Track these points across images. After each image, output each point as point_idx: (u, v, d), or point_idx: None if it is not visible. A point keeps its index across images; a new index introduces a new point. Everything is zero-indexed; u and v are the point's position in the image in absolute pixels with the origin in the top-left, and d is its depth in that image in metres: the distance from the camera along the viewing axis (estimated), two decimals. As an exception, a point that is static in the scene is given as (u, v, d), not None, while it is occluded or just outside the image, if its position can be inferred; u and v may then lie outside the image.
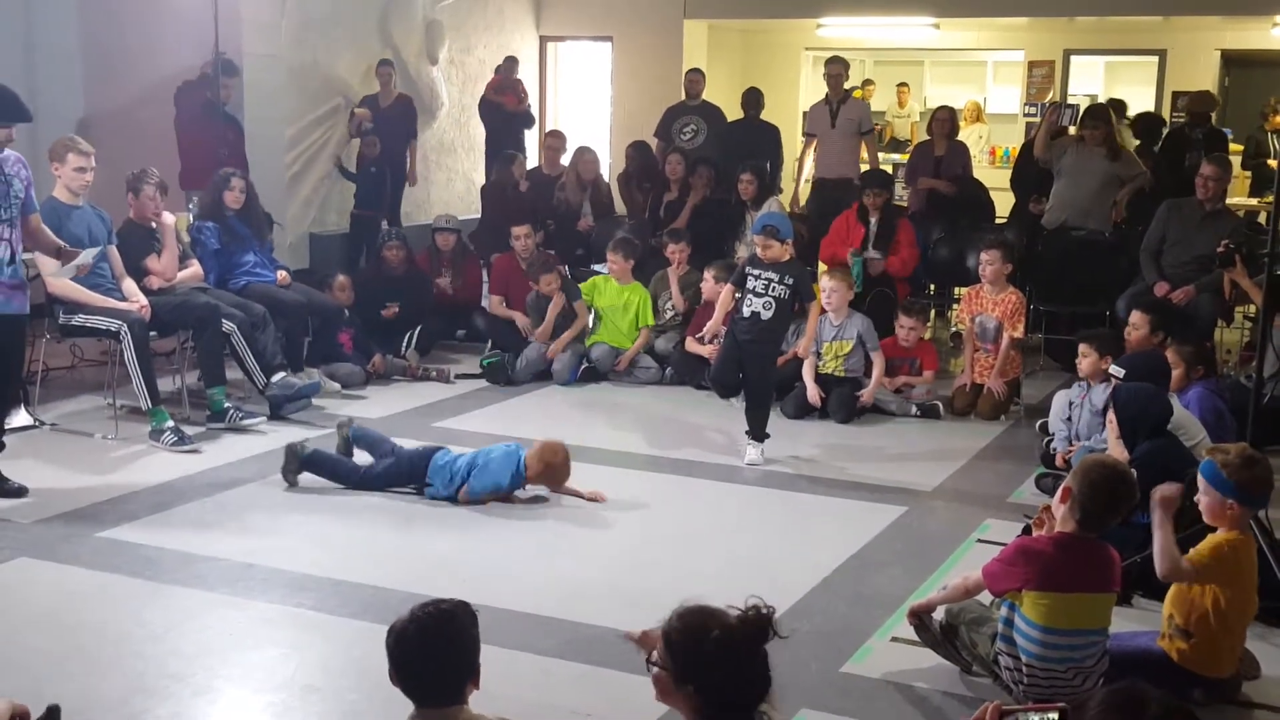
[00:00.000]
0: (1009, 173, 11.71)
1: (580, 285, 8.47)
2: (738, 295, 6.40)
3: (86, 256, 6.01)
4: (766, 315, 6.30)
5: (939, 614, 4.13)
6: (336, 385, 7.58)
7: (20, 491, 5.58)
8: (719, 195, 9.66)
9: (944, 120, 10.07)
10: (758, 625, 2.49)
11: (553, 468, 5.67)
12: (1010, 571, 3.77)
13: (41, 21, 8.50)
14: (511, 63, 11.59)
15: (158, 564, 4.86)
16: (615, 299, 8.27)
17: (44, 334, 6.70)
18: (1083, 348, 6.13)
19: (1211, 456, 3.90)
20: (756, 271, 6.34)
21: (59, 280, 6.33)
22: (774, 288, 6.28)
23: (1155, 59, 13.43)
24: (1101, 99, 14.07)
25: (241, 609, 4.48)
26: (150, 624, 4.32)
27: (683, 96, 11.22)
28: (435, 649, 2.67)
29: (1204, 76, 13.24)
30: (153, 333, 6.68)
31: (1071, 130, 8.99)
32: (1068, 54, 13.72)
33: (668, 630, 2.54)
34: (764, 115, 10.90)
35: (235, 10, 8.78)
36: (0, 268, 5.47)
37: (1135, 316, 6.49)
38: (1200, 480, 3.89)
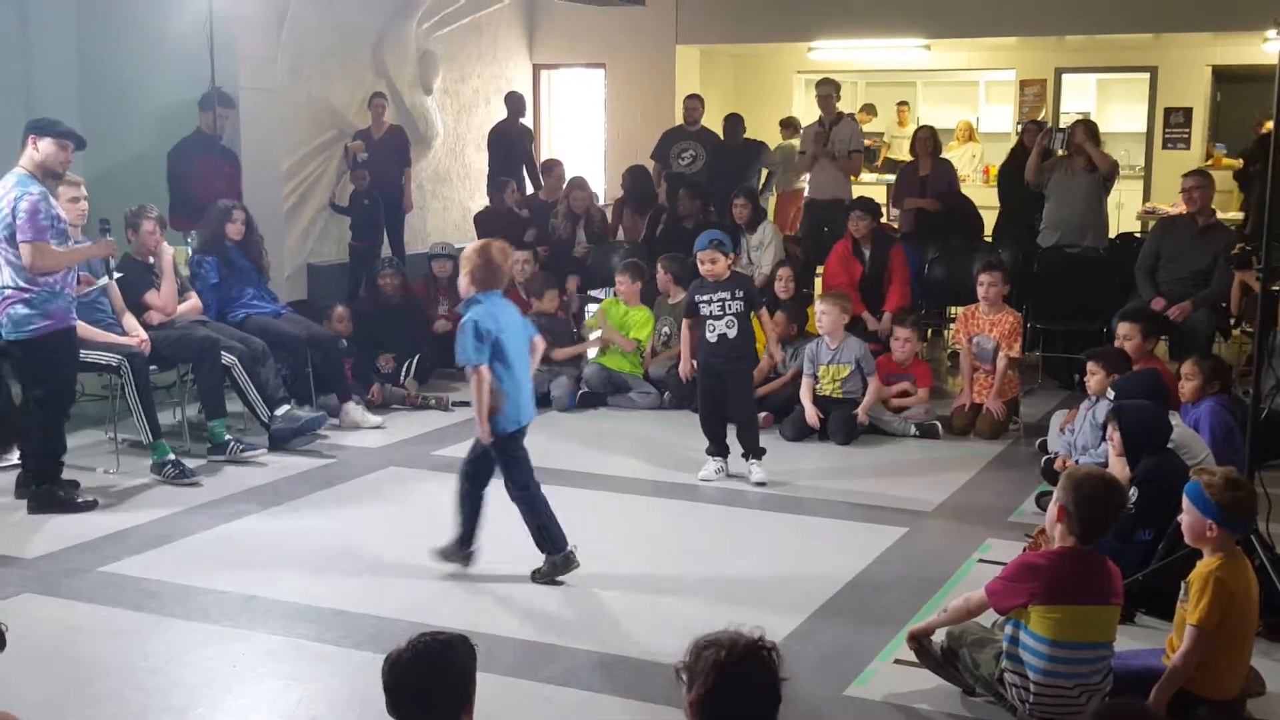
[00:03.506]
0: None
1: (598, 310, 8.61)
2: (693, 325, 6.50)
3: (101, 284, 6.41)
4: (733, 334, 6.38)
5: (939, 636, 4.13)
6: (377, 419, 7.55)
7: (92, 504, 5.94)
8: (711, 219, 9.69)
9: (925, 139, 10.15)
10: (756, 651, 2.49)
11: (492, 265, 5.00)
12: (1015, 588, 3.79)
13: (40, 59, 8.55)
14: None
15: (160, 597, 4.86)
16: (619, 321, 8.30)
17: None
18: (1091, 365, 6.14)
19: (1197, 478, 3.91)
20: (706, 296, 6.41)
21: None
22: (730, 305, 6.37)
23: (1147, 76, 13.50)
24: (1094, 116, 14.16)
25: (244, 641, 4.48)
26: (153, 656, 4.32)
27: (677, 121, 11.28)
28: (426, 680, 2.68)
29: (1195, 92, 13.33)
30: (153, 366, 6.70)
31: (1060, 153, 9.06)
32: (1059, 72, 13.80)
33: (687, 652, 2.55)
34: (758, 138, 10.96)
35: (230, 44, 8.83)
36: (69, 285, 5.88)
37: (1124, 328, 6.50)
38: (1185, 501, 3.90)
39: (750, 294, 6.50)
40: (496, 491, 5.13)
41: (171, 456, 6.41)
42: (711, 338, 6.40)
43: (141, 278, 6.95)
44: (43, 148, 5.68)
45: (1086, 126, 9.11)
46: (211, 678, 4.21)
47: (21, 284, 5.68)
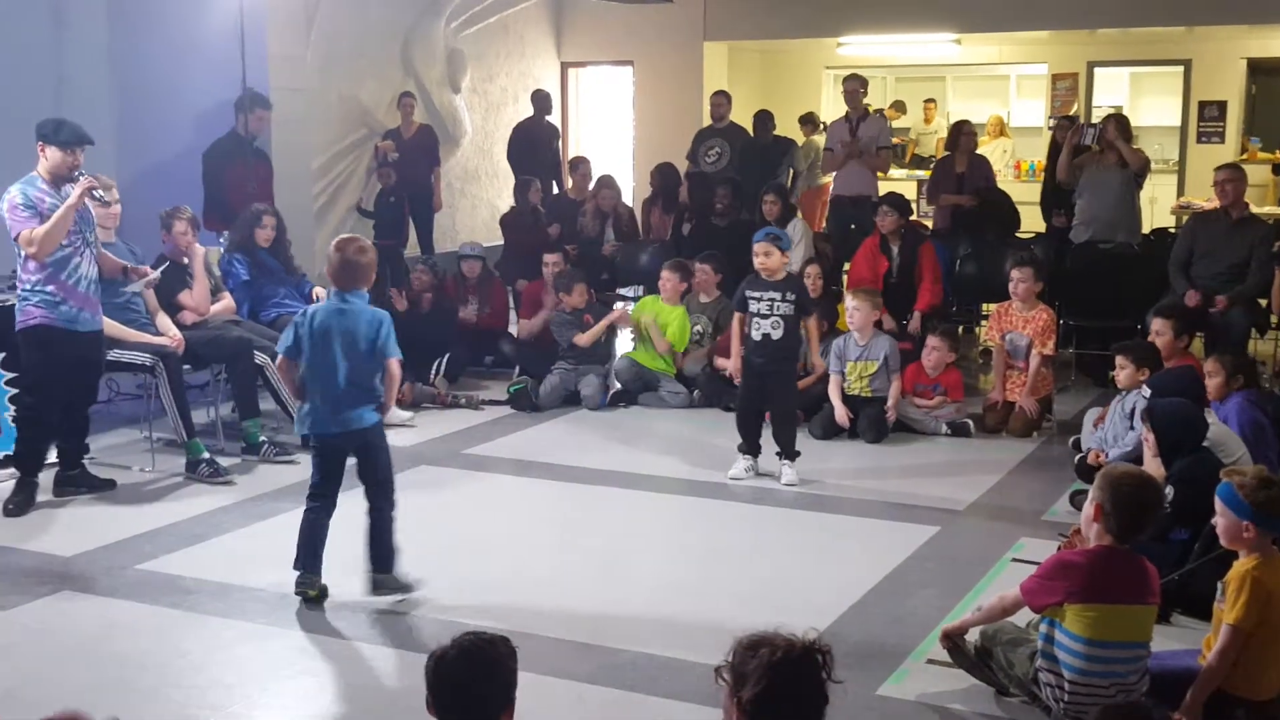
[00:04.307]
0: (1033, 186, 11.71)
1: (637, 305, 8.59)
2: (744, 320, 6.43)
3: (155, 275, 6.42)
4: (777, 335, 6.33)
5: (973, 636, 4.11)
6: (408, 414, 7.60)
7: (110, 484, 6.20)
8: (742, 216, 9.68)
9: (964, 135, 10.05)
10: (811, 653, 2.49)
11: (346, 263, 4.74)
12: (1050, 586, 3.77)
13: (72, 62, 8.63)
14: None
15: (196, 594, 4.90)
16: (657, 318, 8.27)
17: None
18: (1120, 359, 6.12)
19: (1229, 478, 3.87)
20: (757, 294, 6.36)
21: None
22: (778, 306, 6.31)
23: (1180, 69, 13.37)
24: (1127, 110, 14.04)
25: (279, 638, 4.52)
26: (189, 654, 4.36)
27: (705, 119, 11.26)
28: (473, 678, 2.69)
29: (1230, 85, 13.19)
30: (187, 366, 6.76)
31: (1093, 149, 9.00)
32: (1091, 66, 13.69)
33: (731, 651, 2.54)
34: (786, 135, 10.94)
35: (261, 45, 8.89)
36: (90, 285, 5.92)
37: (1157, 323, 6.45)
38: (1218, 503, 3.86)
39: (802, 299, 6.40)
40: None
41: (206, 455, 6.46)
42: (756, 336, 6.36)
43: (175, 278, 7.01)
44: (50, 155, 5.77)
45: (1118, 122, 9.04)
46: (248, 675, 4.25)
47: (36, 285, 5.78)
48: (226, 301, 7.28)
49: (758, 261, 6.36)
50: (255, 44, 8.57)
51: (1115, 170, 8.75)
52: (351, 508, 4.87)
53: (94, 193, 5.86)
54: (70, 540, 5.52)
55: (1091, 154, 8.99)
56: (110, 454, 6.81)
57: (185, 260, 7.09)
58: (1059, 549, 4.82)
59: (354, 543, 5.28)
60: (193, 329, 6.91)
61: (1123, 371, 6.08)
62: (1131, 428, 5.76)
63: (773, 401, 6.46)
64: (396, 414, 7.51)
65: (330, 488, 4.83)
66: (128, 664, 4.30)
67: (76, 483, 6.17)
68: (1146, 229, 10.01)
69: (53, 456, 6.30)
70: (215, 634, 4.54)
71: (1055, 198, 9.73)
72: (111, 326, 6.48)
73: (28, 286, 5.82)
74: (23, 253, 5.78)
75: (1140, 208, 9.20)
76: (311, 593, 4.77)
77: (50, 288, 5.80)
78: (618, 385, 8.22)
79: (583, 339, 8.20)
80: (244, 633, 4.55)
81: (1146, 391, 5.52)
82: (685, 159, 10.89)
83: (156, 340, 6.60)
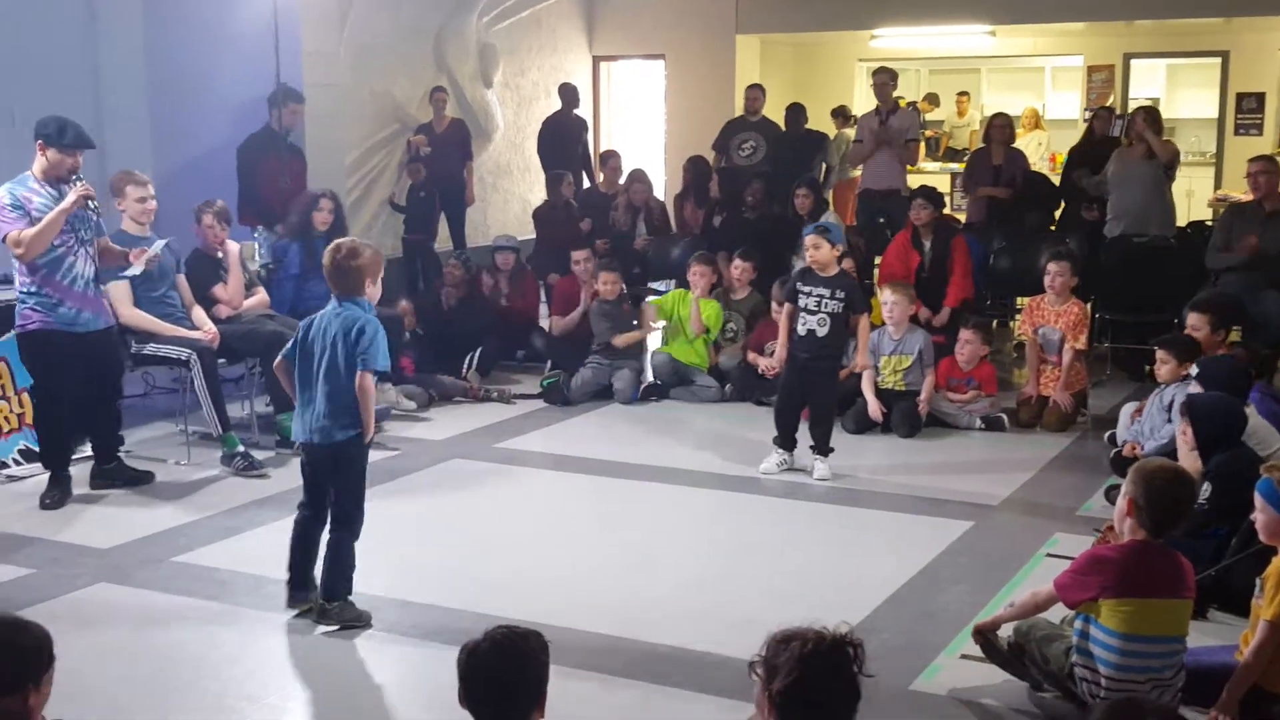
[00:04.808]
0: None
1: (666, 295, 8.58)
2: (792, 313, 6.38)
3: (155, 248, 6.25)
4: (823, 332, 6.28)
5: (1007, 631, 4.09)
6: (412, 404, 7.66)
7: (148, 476, 6.17)
8: (773, 210, 9.65)
9: (1001, 127, 9.98)
10: (842, 647, 2.48)
11: (337, 268, 4.53)
12: (1084, 581, 3.74)
13: (107, 56, 8.70)
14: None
15: (232, 587, 4.94)
16: (687, 314, 8.24)
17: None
18: (1161, 354, 6.06)
19: (1269, 474, 3.83)
20: (807, 289, 6.32)
21: (130, 310, 6.50)
22: (826, 304, 6.27)
23: (1218, 60, 13.23)
24: (1164, 102, 13.90)
25: (314, 630, 4.54)
26: (225, 646, 4.40)
27: (737, 112, 11.23)
28: (504, 670, 2.70)
29: (1268, 76, 13.03)
30: (221, 360, 6.80)
31: (1123, 141, 8.94)
32: (1128, 58, 13.56)
33: (764, 644, 2.53)
34: (819, 128, 10.89)
35: (295, 41, 8.94)
36: (87, 284, 5.84)
37: (1193, 318, 6.39)
38: (1257, 498, 3.82)
39: (851, 297, 6.33)
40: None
41: (240, 448, 6.51)
42: (801, 331, 6.32)
43: (209, 271, 7.06)
44: (50, 156, 5.71)
45: (1148, 113, 8.96)
46: (283, 666, 4.29)
47: (32, 287, 5.76)
48: (260, 296, 7.33)
49: (808, 255, 6.33)
50: (289, 39, 8.61)
51: (1143, 163, 8.69)
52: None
53: (89, 203, 5.73)
54: (107, 533, 5.57)
55: (1120, 148, 8.93)
56: (146, 447, 6.87)
57: (219, 254, 7.13)
58: (1094, 544, 4.78)
59: (385, 538, 5.31)
60: (227, 323, 6.95)
61: (1164, 366, 6.02)
62: (1169, 421, 5.71)
63: (813, 397, 6.44)
64: (403, 403, 7.56)
65: (314, 498, 4.62)
66: (164, 655, 4.34)
67: (112, 476, 6.21)
68: (1183, 221, 9.92)
69: (88, 450, 6.37)
70: (250, 626, 4.57)
71: (1074, 189, 9.69)
72: (146, 320, 6.55)
73: (24, 290, 5.80)
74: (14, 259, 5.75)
75: (1172, 200, 9.12)
76: (304, 608, 4.59)
77: (46, 290, 5.76)
78: (650, 379, 8.22)
79: (619, 340, 8.19)
80: (279, 624, 4.58)
81: (1191, 386, 5.46)
82: (712, 150, 10.84)
83: (191, 334, 6.65)
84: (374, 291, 4.58)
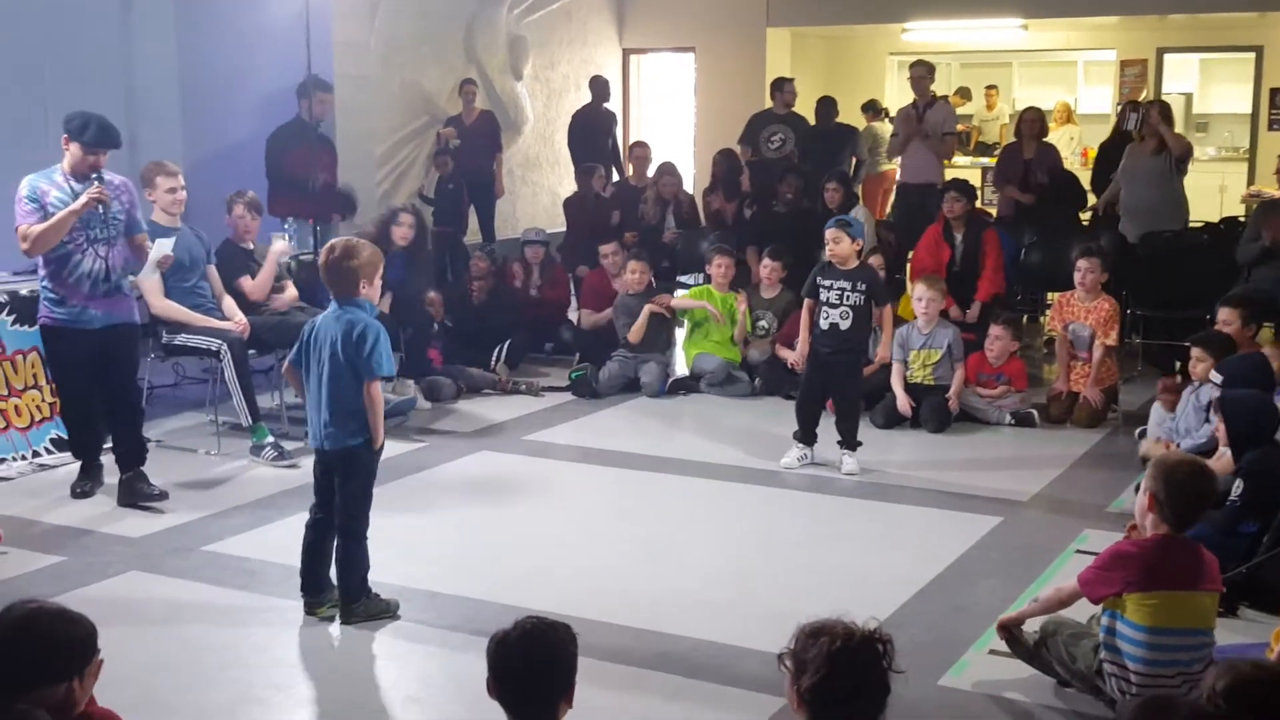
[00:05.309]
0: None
1: (692, 290, 8.55)
2: (813, 307, 6.36)
3: (160, 250, 6.15)
4: (845, 325, 6.26)
5: (1032, 627, 4.07)
6: (428, 405, 7.65)
7: (163, 495, 5.84)
8: (804, 204, 9.62)
9: (1032, 121, 9.91)
10: (871, 643, 2.47)
11: (331, 268, 4.46)
12: (1108, 577, 3.72)
13: (141, 48, 8.76)
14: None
15: (261, 576, 4.98)
16: (715, 306, 8.23)
17: (148, 353, 6.88)
18: (1196, 352, 5.99)
19: None
20: (828, 282, 6.30)
21: (161, 301, 6.54)
22: (848, 296, 6.24)
23: (1252, 55, 13.09)
24: (1197, 98, 13.77)
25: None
26: (254, 635, 4.43)
27: (767, 104, 11.19)
28: (533, 659, 2.71)
29: (1304, 72, 12.90)
30: (252, 351, 6.84)
31: (1136, 136, 8.87)
32: (1161, 52, 13.44)
33: (793, 638, 2.53)
34: (849, 122, 10.84)
35: (325, 33, 8.97)
36: (95, 282, 5.74)
37: (1224, 313, 6.32)
38: None
39: (874, 289, 6.31)
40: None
41: (270, 439, 6.54)
42: (824, 324, 6.30)
43: (239, 263, 7.08)
44: (73, 151, 5.66)
45: (1161, 107, 8.89)
46: (312, 656, 4.31)
47: (45, 281, 5.76)
48: (290, 292, 7.33)
49: (829, 249, 6.31)
50: (320, 31, 8.64)
51: (1153, 158, 8.64)
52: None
53: (99, 206, 5.60)
54: (138, 522, 5.62)
55: (1133, 144, 8.87)
56: (176, 437, 6.93)
57: (249, 246, 7.16)
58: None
59: (413, 529, 5.33)
60: (258, 314, 6.99)
61: (1200, 364, 5.95)
62: (1207, 420, 5.65)
63: (837, 391, 6.41)
64: (421, 403, 7.54)
65: (325, 501, 4.54)
66: (194, 644, 4.37)
67: (133, 494, 5.82)
68: (1215, 217, 9.83)
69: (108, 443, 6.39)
70: (280, 615, 4.60)
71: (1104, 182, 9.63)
72: (178, 311, 6.59)
73: (41, 284, 5.82)
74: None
75: (1184, 194, 9.01)
76: (321, 612, 4.53)
77: (52, 285, 5.74)
78: (678, 372, 8.20)
79: (632, 336, 8.16)
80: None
81: (1217, 377, 5.41)
82: (739, 143, 10.80)
83: (222, 325, 6.68)
84: (372, 291, 4.48)
